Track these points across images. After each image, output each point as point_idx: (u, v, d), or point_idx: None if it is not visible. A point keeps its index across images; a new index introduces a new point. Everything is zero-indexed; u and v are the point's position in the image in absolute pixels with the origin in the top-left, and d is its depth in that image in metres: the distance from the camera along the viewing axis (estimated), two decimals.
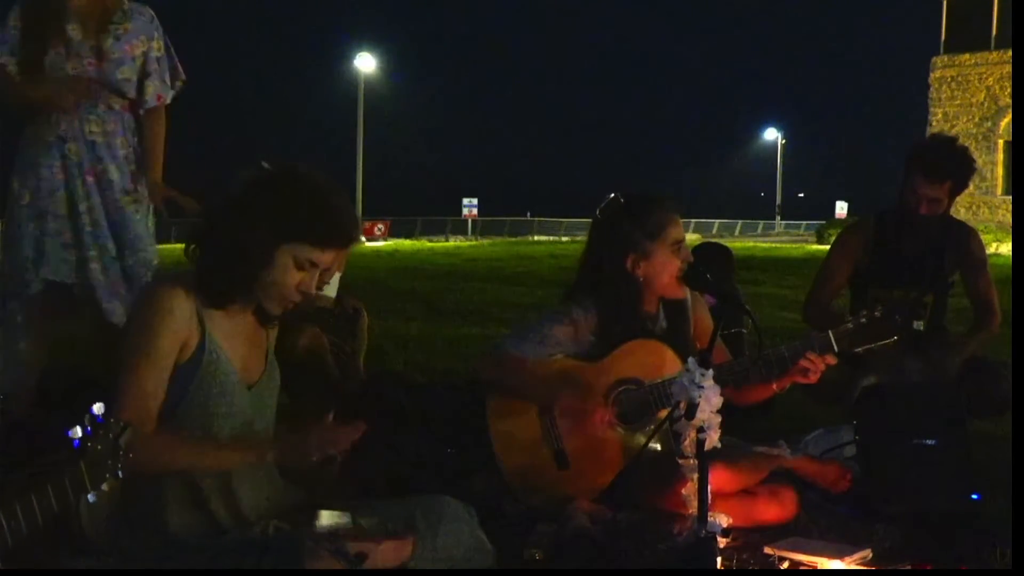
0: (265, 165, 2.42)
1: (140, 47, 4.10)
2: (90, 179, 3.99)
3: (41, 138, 3.98)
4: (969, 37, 40.56)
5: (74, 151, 3.98)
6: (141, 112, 4.18)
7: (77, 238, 3.97)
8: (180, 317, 2.32)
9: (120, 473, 1.83)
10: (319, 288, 4.83)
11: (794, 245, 34.66)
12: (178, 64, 4.28)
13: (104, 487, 1.80)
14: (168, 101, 4.24)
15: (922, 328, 4.21)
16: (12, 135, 4.09)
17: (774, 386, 3.32)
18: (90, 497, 1.78)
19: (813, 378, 3.24)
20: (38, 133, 3.99)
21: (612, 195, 3.53)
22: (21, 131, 4.04)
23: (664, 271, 3.39)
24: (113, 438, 1.83)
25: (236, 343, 2.43)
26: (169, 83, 4.23)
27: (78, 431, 1.78)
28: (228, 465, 2.37)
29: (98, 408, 1.82)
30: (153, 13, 4.17)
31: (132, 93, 4.13)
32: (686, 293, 3.47)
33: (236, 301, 2.40)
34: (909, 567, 2.96)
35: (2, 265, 4.08)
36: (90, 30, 4.00)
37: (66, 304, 4.07)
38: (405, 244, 33.04)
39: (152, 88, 4.16)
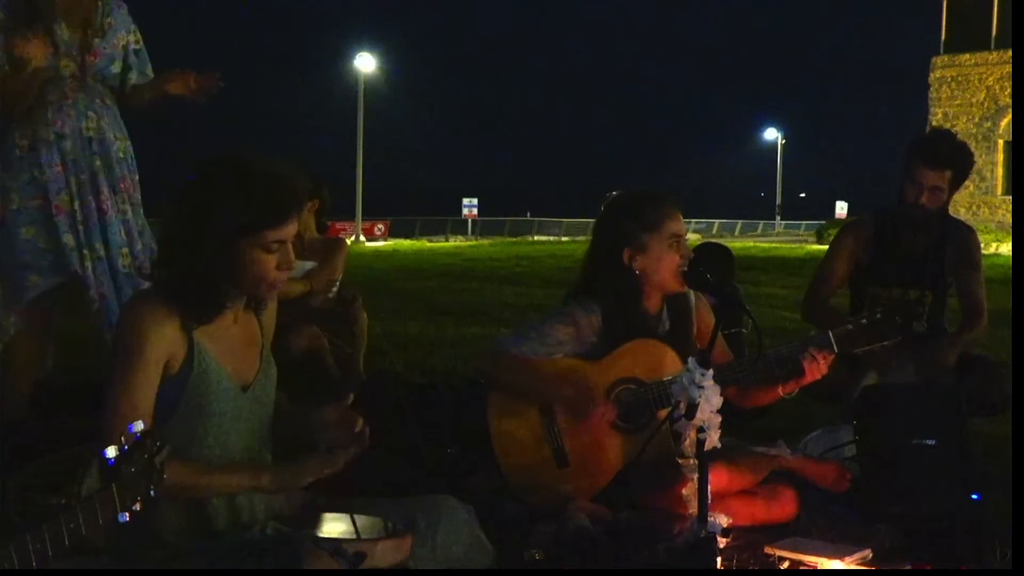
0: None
1: (122, 40, 4.12)
2: (83, 177, 3.97)
3: (40, 136, 3.94)
4: (969, 37, 40.57)
5: (70, 148, 3.96)
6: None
7: (74, 236, 3.95)
8: (163, 333, 2.29)
9: (153, 493, 1.81)
10: (327, 293, 4.89)
11: (794, 245, 34.60)
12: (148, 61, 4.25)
13: (136, 507, 1.78)
14: None
15: (923, 330, 4.21)
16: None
17: (780, 391, 3.32)
18: (121, 518, 1.76)
19: (816, 375, 3.23)
20: (36, 132, 3.94)
21: (614, 192, 3.54)
22: (7, 129, 3.95)
23: (661, 265, 3.38)
24: (149, 457, 1.80)
25: (228, 346, 2.41)
26: (150, 75, 4.21)
27: (113, 450, 1.75)
28: (223, 489, 2.34)
29: (137, 427, 1.80)
30: (127, 6, 4.17)
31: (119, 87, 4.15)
32: (686, 288, 3.46)
33: (220, 311, 2.37)
34: (909, 567, 2.97)
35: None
36: (77, 28, 4.00)
37: (64, 302, 4.06)
38: (405, 244, 33.01)
39: (133, 80, 4.16)
